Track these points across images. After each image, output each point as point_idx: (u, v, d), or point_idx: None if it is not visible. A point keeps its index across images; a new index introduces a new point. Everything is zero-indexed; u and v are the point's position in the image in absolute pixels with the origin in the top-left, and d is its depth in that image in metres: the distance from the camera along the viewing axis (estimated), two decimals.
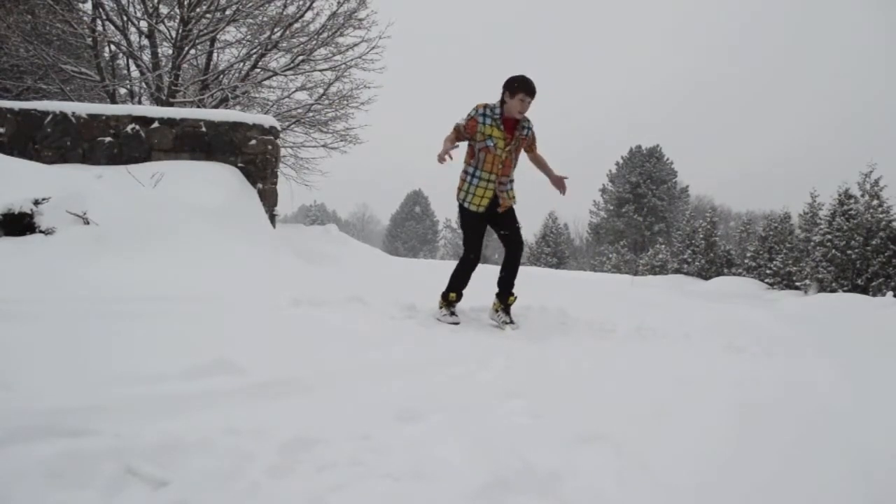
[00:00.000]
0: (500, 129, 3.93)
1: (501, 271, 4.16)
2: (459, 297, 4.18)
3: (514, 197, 4.17)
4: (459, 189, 4.12)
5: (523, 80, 3.87)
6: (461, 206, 4.14)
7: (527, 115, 4.01)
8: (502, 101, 3.93)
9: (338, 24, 11.63)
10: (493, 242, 42.13)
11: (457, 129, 4.01)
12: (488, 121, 3.93)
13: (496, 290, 4.19)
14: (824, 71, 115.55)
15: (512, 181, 4.16)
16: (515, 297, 4.16)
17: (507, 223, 4.13)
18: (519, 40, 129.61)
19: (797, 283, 20.17)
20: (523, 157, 4.28)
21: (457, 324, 3.99)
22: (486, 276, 4.96)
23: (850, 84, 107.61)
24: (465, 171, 4.09)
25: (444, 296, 4.16)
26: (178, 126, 7.16)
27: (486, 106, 3.96)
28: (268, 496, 1.35)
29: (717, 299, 11.17)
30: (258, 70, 11.98)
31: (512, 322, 4.07)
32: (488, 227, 4.26)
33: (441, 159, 3.89)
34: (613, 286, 13.85)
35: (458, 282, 4.16)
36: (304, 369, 2.33)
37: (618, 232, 44.63)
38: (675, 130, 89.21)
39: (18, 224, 4.31)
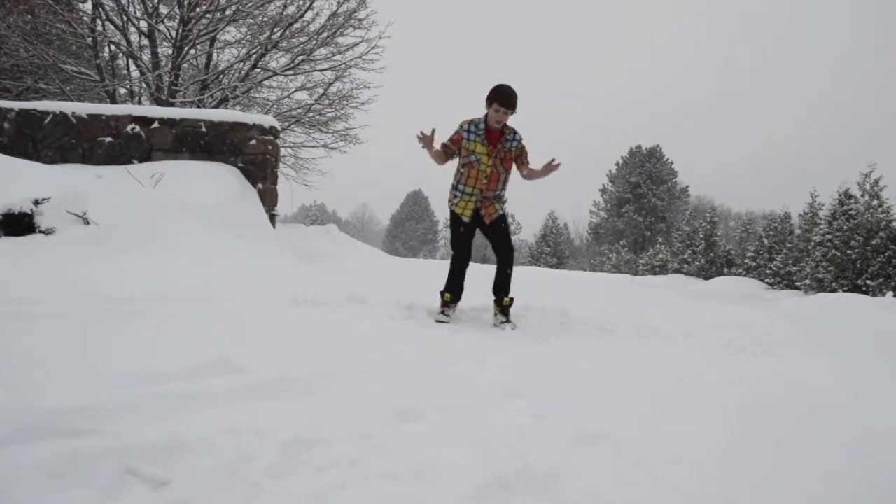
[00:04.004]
0: (483, 145, 4.02)
1: (495, 277, 4.23)
2: (455, 297, 4.19)
3: (504, 202, 4.20)
4: (449, 200, 4.26)
5: (498, 90, 3.92)
6: (451, 210, 4.24)
7: (514, 126, 4.10)
8: (486, 114, 4.03)
9: (338, 24, 11.64)
10: None
11: (443, 144, 4.14)
12: (472, 136, 4.03)
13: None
14: (824, 70, 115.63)
15: (499, 196, 4.18)
16: (512, 299, 4.20)
17: (495, 233, 4.21)
18: (521, 40, 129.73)
19: (797, 283, 20.15)
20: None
21: (445, 322, 3.98)
22: (486, 277, 4.96)
23: (851, 84, 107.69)
24: (452, 185, 4.23)
25: (441, 294, 4.20)
26: (178, 126, 7.16)
27: (470, 122, 4.07)
28: (268, 496, 1.35)
29: (717, 299, 11.17)
30: (258, 70, 11.98)
31: (510, 322, 4.09)
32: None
33: (426, 141, 3.99)
34: (613, 286, 13.86)
35: (450, 280, 4.21)
36: (304, 369, 2.33)
37: (618, 232, 44.61)
38: (675, 130, 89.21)
39: (18, 224, 4.31)
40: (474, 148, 4.03)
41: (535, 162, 4.24)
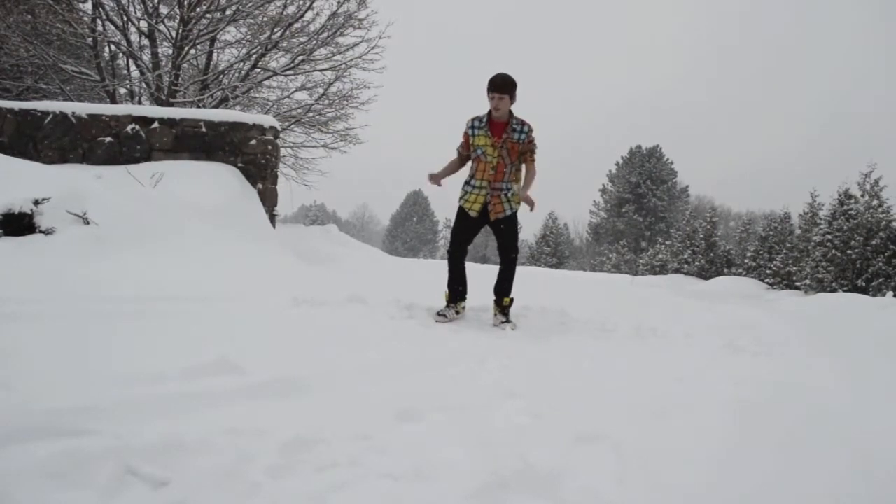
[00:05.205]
0: (487, 137, 4.04)
1: (497, 278, 4.23)
2: (453, 295, 4.19)
3: (512, 199, 4.14)
4: (460, 198, 4.25)
5: (491, 78, 3.96)
6: (459, 207, 4.25)
7: (525, 119, 4.07)
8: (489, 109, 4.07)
9: (338, 25, 11.63)
10: (494, 243, 42.06)
11: (458, 153, 4.24)
12: (477, 131, 4.08)
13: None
14: (825, 70, 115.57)
15: (509, 188, 4.12)
16: (512, 299, 4.21)
17: (500, 232, 4.21)
18: (521, 40, 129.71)
19: (797, 283, 20.16)
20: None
21: (444, 322, 3.98)
22: (486, 277, 4.96)
23: (851, 83, 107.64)
24: (465, 181, 4.24)
25: (445, 293, 4.22)
26: (178, 126, 7.16)
27: (474, 118, 4.11)
28: (268, 496, 1.35)
29: (717, 299, 11.17)
30: (258, 70, 11.98)
31: (510, 322, 4.10)
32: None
33: (434, 182, 4.23)
34: (613, 286, 13.85)
35: (449, 278, 4.22)
36: (304, 369, 2.33)
37: (618, 232, 44.61)
38: (675, 130, 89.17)
39: (18, 224, 4.31)
40: (478, 142, 4.06)
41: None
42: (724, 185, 72.89)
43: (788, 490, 1.64)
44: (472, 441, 1.75)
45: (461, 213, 4.22)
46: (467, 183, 4.19)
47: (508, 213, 4.15)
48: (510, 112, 4.04)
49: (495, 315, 4.19)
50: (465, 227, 4.21)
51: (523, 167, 4.19)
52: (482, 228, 4.29)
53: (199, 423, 1.65)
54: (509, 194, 4.13)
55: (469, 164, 4.22)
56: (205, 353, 2.25)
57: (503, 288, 4.18)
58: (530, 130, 4.06)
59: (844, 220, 18.39)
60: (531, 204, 4.08)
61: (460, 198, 4.22)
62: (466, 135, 4.12)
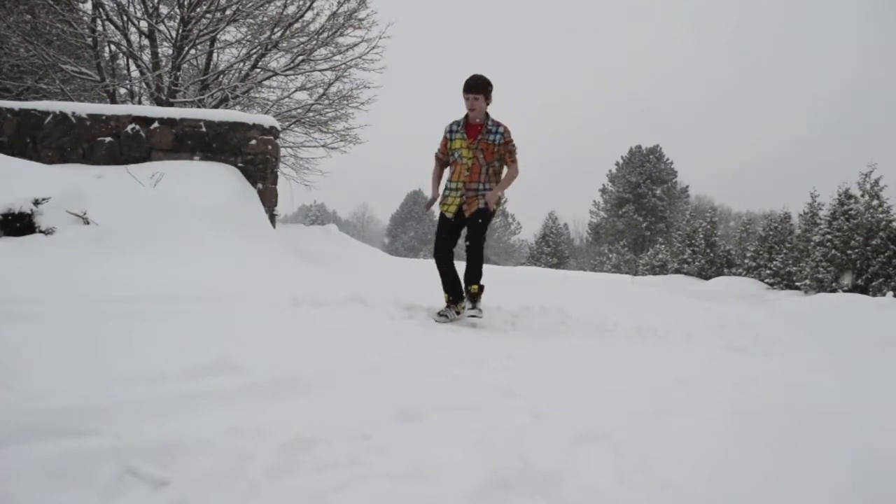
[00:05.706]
0: (463, 140, 4.10)
1: (465, 268, 4.20)
2: (451, 297, 4.18)
3: (496, 201, 4.12)
4: (440, 202, 4.28)
5: (465, 80, 4.01)
6: (440, 211, 4.28)
7: (501, 121, 4.10)
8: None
9: (338, 24, 11.63)
10: (493, 244, 42.09)
11: (436, 158, 4.28)
12: (455, 135, 4.15)
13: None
14: (825, 68, 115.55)
15: (485, 189, 4.10)
16: (481, 287, 4.13)
17: (472, 227, 4.15)
18: (520, 39, 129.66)
19: (797, 283, 20.15)
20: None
21: (444, 322, 3.97)
22: (488, 277, 4.96)
23: (852, 83, 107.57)
24: (445, 185, 4.30)
25: (445, 295, 4.21)
26: (178, 126, 7.16)
27: (452, 122, 4.20)
28: (268, 496, 1.35)
29: (716, 299, 11.17)
30: (258, 70, 11.98)
31: (475, 308, 4.05)
32: None
33: (430, 204, 4.22)
34: (613, 286, 13.85)
35: (442, 282, 4.22)
36: (304, 369, 2.33)
37: (618, 232, 44.61)
38: (675, 129, 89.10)
39: (18, 224, 4.31)
40: (455, 145, 4.13)
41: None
42: (723, 185, 72.96)
43: (788, 490, 1.65)
44: (472, 441, 1.75)
45: (441, 217, 4.25)
46: (446, 187, 4.24)
47: (482, 206, 4.09)
48: (486, 114, 4.07)
49: (468, 308, 4.13)
50: (445, 230, 4.22)
51: (504, 169, 4.18)
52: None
53: (199, 423, 1.65)
54: (485, 194, 4.13)
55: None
56: (205, 353, 2.25)
57: (471, 276, 4.13)
58: (506, 132, 4.08)
59: (844, 220, 18.38)
60: (491, 205, 4.04)
61: (440, 202, 4.24)
62: (445, 139, 4.19)
